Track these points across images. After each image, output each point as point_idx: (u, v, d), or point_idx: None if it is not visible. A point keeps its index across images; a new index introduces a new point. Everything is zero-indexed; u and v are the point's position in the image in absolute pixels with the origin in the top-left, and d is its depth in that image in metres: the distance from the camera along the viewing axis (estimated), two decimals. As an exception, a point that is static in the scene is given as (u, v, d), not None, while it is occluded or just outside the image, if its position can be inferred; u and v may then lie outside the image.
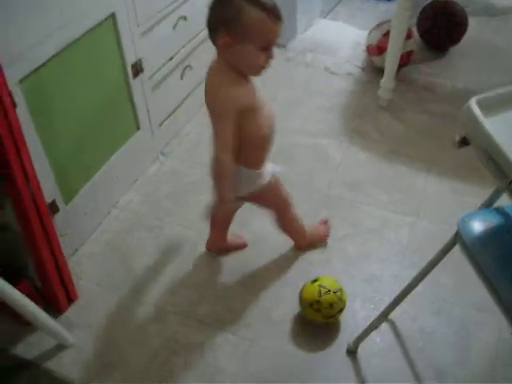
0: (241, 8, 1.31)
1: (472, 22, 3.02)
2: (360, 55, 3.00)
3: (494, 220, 1.20)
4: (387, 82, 2.58)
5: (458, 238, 1.23)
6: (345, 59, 2.98)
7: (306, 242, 1.98)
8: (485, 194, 1.90)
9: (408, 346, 1.70)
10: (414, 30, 2.98)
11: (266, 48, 1.37)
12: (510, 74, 2.92)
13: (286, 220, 1.87)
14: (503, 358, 1.67)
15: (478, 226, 1.21)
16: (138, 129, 2.18)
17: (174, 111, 2.43)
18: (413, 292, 1.46)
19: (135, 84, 2.06)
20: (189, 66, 2.42)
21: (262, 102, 1.51)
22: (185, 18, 2.29)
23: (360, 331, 1.65)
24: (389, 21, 2.80)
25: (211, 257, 1.97)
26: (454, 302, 1.81)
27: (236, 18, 1.32)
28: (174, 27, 2.24)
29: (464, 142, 1.17)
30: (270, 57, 1.40)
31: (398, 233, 2.05)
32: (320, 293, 1.68)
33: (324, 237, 2.02)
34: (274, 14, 1.34)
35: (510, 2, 3.55)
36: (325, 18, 3.42)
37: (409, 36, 2.74)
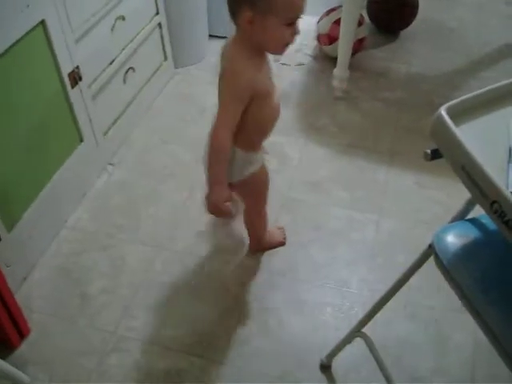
0: None
1: (422, 2, 2.95)
2: (311, 44, 2.90)
3: (471, 234, 1.12)
4: (341, 71, 2.49)
5: (432, 253, 1.14)
6: (295, 49, 2.87)
7: (262, 246, 1.89)
8: (449, 185, 1.85)
9: (384, 355, 1.62)
10: (365, 15, 2.89)
11: (291, 23, 1.30)
12: (462, 54, 2.89)
13: (256, 215, 1.79)
14: (481, 360, 1.62)
15: (454, 242, 1.13)
16: (82, 141, 2.04)
17: (118, 118, 2.29)
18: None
19: (74, 94, 1.92)
20: (131, 69, 2.28)
21: (272, 87, 1.44)
22: (123, 18, 2.15)
23: (332, 344, 1.57)
24: (338, 7, 2.70)
25: (170, 275, 1.86)
26: (427, 304, 1.75)
27: None
28: (112, 29, 2.10)
29: (436, 154, 1.08)
30: (295, 32, 1.33)
31: (364, 233, 1.97)
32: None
33: (280, 242, 1.92)
34: None
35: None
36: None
37: (360, 22, 2.65)
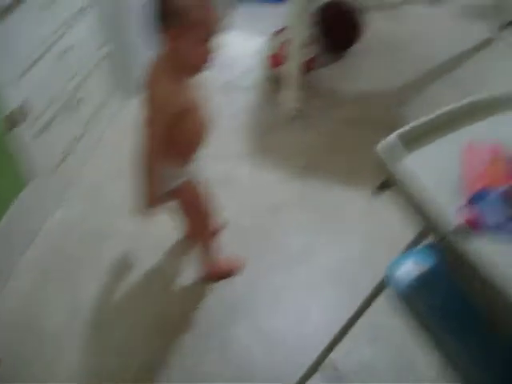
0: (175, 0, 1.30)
1: (369, 17, 2.98)
2: (261, 65, 2.89)
3: (426, 262, 1.12)
4: (292, 92, 2.49)
5: (386, 284, 1.14)
6: (245, 71, 2.86)
7: (216, 273, 1.87)
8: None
9: (349, 382, 1.61)
10: (314, 34, 2.90)
11: (208, 39, 1.35)
12: (412, 68, 2.92)
13: (200, 236, 1.79)
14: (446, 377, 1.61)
15: (408, 272, 1.12)
16: (29, 180, 1.97)
17: (67, 154, 2.21)
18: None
19: (18, 133, 1.85)
20: (79, 101, 2.23)
21: (199, 102, 1.49)
22: (69, 50, 2.10)
23: (297, 373, 1.54)
24: (286, 28, 2.71)
25: (130, 311, 1.81)
26: (388, 325, 1.74)
27: (173, 12, 1.30)
28: (58, 61, 2.04)
29: (385, 185, 1.07)
30: (213, 49, 1.38)
31: (323, 256, 1.96)
32: None
33: (234, 270, 1.90)
34: (209, 4, 1.34)
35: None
36: (223, 29, 3.28)
37: (309, 42, 2.66)
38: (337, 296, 1.82)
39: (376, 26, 3.09)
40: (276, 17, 3.26)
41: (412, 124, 1.06)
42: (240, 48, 3.05)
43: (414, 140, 1.06)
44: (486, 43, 3.15)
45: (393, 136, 1.03)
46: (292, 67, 2.43)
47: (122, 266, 1.94)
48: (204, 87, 1.53)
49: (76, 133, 2.27)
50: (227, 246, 1.93)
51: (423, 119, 1.08)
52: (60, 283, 1.89)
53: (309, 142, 2.44)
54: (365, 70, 2.91)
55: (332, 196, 2.18)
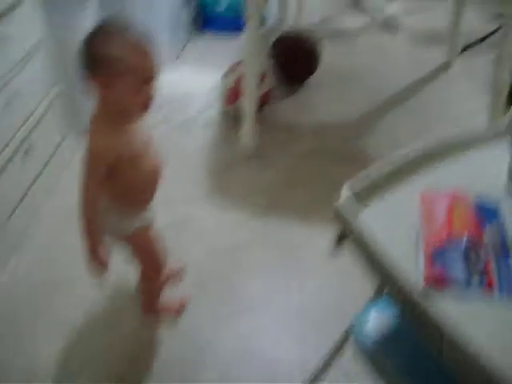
0: (102, 47, 1.25)
1: (326, 49, 2.98)
2: (217, 102, 2.85)
3: (390, 317, 1.07)
4: (248, 128, 2.45)
5: (349, 336, 1.09)
6: (201, 109, 2.82)
7: (156, 310, 1.81)
8: None
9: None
10: (269, 67, 2.88)
11: (142, 85, 1.29)
12: (368, 98, 2.92)
13: (151, 280, 1.73)
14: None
15: (372, 326, 1.08)
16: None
17: (18, 205, 2.10)
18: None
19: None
20: (30, 148, 2.15)
21: (143, 150, 1.42)
22: (19, 92, 2.02)
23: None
24: (241, 63, 2.69)
25: (92, 361, 1.71)
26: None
27: (100, 60, 1.25)
28: (5, 107, 1.96)
29: (342, 237, 1.03)
30: (148, 95, 1.32)
31: (287, 298, 1.90)
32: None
33: (177, 312, 1.84)
34: (142, 46, 1.29)
35: (354, 24, 3.58)
36: (173, 64, 3.22)
37: (264, 75, 2.64)
38: (303, 341, 1.76)
39: (331, 57, 3.10)
40: (232, 49, 3.26)
41: (365, 176, 1.03)
42: (195, 84, 3.01)
43: (368, 192, 1.03)
44: (441, 69, 3.18)
45: (346, 192, 1.00)
46: (248, 103, 2.40)
47: (80, 316, 1.85)
48: (149, 132, 1.48)
49: (28, 183, 2.17)
50: (188, 291, 1.88)
51: (376, 169, 1.05)
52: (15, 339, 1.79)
53: (268, 179, 2.40)
54: (321, 103, 2.89)
55: (294, 234, 2.14)
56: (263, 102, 2.66)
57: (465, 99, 2.93)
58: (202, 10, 3.44)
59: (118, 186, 1.43)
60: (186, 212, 2.24)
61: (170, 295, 1.86)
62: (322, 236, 2.10)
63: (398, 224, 0.98)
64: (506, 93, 2.22)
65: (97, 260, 1.46)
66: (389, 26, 3.58)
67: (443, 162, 1.11)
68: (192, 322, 1.82)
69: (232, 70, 2.72)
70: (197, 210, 2.26)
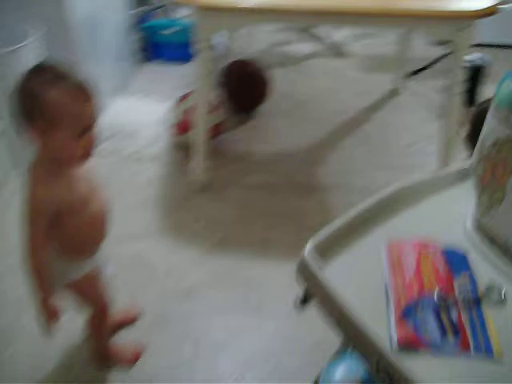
0: (38, 94, 1.16)
1: (276, 77, 2.95)
2: (166, 133, 2.76)
3: (357, 368, 1.01)
4: (200, 161, 2.37)
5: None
6: (150, 141, 2.73)
7: (107, 357, 1.71)
8: None
9: None
10: (219, 96, 2.82)
11: (82, 133, 1.22)
12: (320, 125, 2.90)
13: (100, 326, 1.64)
14: None
15: (339, 378, 1.02)
16: None
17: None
18: None
19: None
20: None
21: (86, 195, 1.34)
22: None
23: None
24: (190, 93, 2.62)
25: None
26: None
27: (37, 107, 1.17)
28: None
29: (308, 296, 0.97)
30: (89, 142, 1.25)
31: (249, 339, 1.82)
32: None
33: (130, 361, 1.73)
34: (81, 93, 1.20)
35: (303, 50, 3.57)
36: (119, 95, 3.11)
37: (216, 106, 2.58)
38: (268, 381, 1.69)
39: (282, 84, 3.07)
40: (180, 78, 3.19)
41: (326, 231, 0.97)
42: (144, 114, 2.91)
43: (332, 247, 0.97)
44: (390, 95, 3.19)
45: (309, 248, 0.94)
46: (199, 134, 2.32)
47: (28, 369, 1.73)
48: (93, 173, 1.40)
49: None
50: (143, 337, 1.77)
51: (338, 222, 0.99)
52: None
53: (221, 214, 2.32)
54: (273, 131, 2.85)
55: (251, 271, 2.06)
56: (215, 132, 2.59)
57: (415, 125, 2.94)
58: (148, 37, 3.36)
59: (63, 234, 1.36)
60: (137, 250, 2.14)
61: (124, 342, 1.76)
62: (280, 272, 2.05)
63: (366, 278, 0.92)
64: (456, 119, 2.21)
65: (48, 311, 1.38)
66: (338, 51, 3.59)
67: (406, 208, 1.06)
68: (148, 370, 1.72)
69: (182, 100, 2.65)
70: (149, 247, 2.16)
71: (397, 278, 0.91)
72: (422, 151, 2.73)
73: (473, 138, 1.33)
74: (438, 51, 3.35)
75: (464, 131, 1.36)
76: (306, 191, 2.46)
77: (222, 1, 1.94)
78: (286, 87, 3.13)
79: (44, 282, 1.36)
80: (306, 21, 2.09)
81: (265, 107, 2.96)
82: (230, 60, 2.98)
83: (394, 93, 3.20)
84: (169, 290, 1.99)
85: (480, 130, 1.31)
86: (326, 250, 0.94)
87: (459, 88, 2.16)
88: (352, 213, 1.00)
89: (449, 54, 3.21)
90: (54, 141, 1.21)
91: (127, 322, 1.83)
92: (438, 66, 3.34)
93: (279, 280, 2.03)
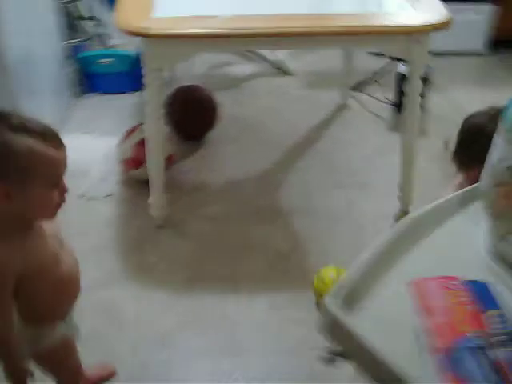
0: (6, 145, 1.04)
1: (223, 101, 2.87)
2: (116, 170, 2.61)
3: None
4: (158, 196, 2.25)
5: None
6: (101, 179, 2.58)
7: None
8: (305, 299, 1.69)
9: None
10: (167, 125, 2.71)
11: (56, 183, 1.13)
12: (272, 146, 2.84)
13: None
14: None
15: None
16: None
17: None
18: None
19: None
20: None
21: (56, 254, 1.23)
22: None
23: None
24: (138, 126, 2.50)
25: None
26: None
27: (5, 160, 1.05)
28: None
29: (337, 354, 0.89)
30: (63, 190, 1.16)
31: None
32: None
33: None
34: (52, 138, 1.12)
35: (243, 70, 3.51)
36: (61, 131, 2.94)
37: (166, 138, 2.46)
38: None
39: (227, 107, 2.95)
40: (122, 110, 3.06)
41: (344, 282, 0.89)
42: (90, 152, 2.75)
43: (352, 296, 0.89)
44: (338, 110, 3.16)
45: (331, 302, 0.86)
46: (155, 167, 2.19)
47: None
48: (59, 230, 1.29)
49: None
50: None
51: (354, 271, 0.91)
52: None
53: (185, 250, 2.21)
54: (226, 157, 2.76)
55: (225, 309, 1.97)
56: (167, 165, 2.46)
57: (366, 139, 2.92)
58: (84, 69, 3.19)
59: (30, 299, 1.22)
60: (104, 298, 1.99)
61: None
62: (254, 306, 1.96)
63: (394, 323, 0.85)
64: (415, 132, 2.20)
65: (17, 381, 1.25)
66: (280, 70, 3.54)
67: (416, 242, 1.01)
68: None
69: (130, 133, 2.52)
70: (115, 294, 2.01)
71: (427, 320, 0.85)
72: (379, 165, 2.71)
73: (461, 153, 1.29)
74: (380, 62, 3.34)
75: (450, 146, 1.32)
76: (268, 217, 2.39)
77: (175, 28, 1.85)
78: (232, 110, 3.04)
79: (13, 352, 1.22)
80: (265, 45, 2.02)
81: (212, 133, 2.87)
82: (175, 86, 2.88)
83: (341, 108, 3.18)
84: (142, 338, 1.86)
85: (469, 145, 1.28)
86: (349, 301, 0.86)
87: (416, 101, 2.14)
88: (366, 257, 0.93)
89: (390, 64, 3.24)
90: (28, 195, 1.09)
91: (103, 380, 1.69)
92: (381, 76, 3.34)
93: (254, 315, 1.95)
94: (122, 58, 3.16)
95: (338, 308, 0.85)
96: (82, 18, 3.23)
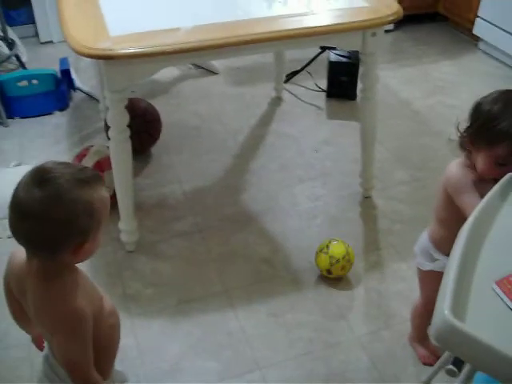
0: (84, 199, 1.00)
1: (161, 110, 2.76)
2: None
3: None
4: (127, 223, 2.15)
5: None
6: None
7: None
8: (299, 300, 1.66)
9: None
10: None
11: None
12: (221, 150, 2.79)
13: None
14: None
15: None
16: None
17: None
18: None
19: None
20: None
21: (100, 299, 1.19)
22: None
23: None
24: (87, 148, 2.38)
25: None
26: None
27: (87, 215, 1.01)
28: None
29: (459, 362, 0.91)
30: None
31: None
32: (331, 263, 2.01)
33: None
34: (98, 179, 1.07)
35: (168, 74, 3.41)
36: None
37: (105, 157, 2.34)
38: None
39: (162, 114, 2.83)
40: (52, 132, 2.89)
41: (452, 294, 0.90)
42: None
43: (458, 305, 0.90)
44: (275, 102, 3.15)
45: (444, 312, 0.87)
46: (123, 197, 2.08)
47: None
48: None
49: None
50: None
51: (450, 282, 0.93)
52: None
53: (168, 271, 2.13)
54: (179, 167, 2.67)
55: (225, 324, 1.93)
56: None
57: (311, 130, 2.94)
58: (2, 93, 2.96)
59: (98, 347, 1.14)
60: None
61: None
62: (254, 316, 1.93)
63: (502, 322, 0.88)
64: (374, 123, 2.25)
65: None
66: (205, 69, 3.47)
67: (483, 242, 1.04)
68: None
69: (80, 158, 2.36)
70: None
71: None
72: (330, 154, 2.74)
73: (474, 134, 1.30)
74: (310, 52, 3.35)
75: (459, 131, 1.33)
76: (240, 224, 2.35)
77: (141, 46, 1.75)
78: (167, 118, 2.93)
79: None
80: (232, 54, 1.96)
81: (161, 144, 2.77)
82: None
83: (276, 101, 3.18)
84: (150, 372, 1.79)
85: (483, 128, 1.31)
86: (457, 311, 0.88)
87: (375, 90, 2.18)
88: (454, 266, 0.95)
89: (321, 53, 3.28)
90: (95, 241, 1.07)
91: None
92: (313, 65, 3.35)
93: (257, 326, 1.93)
94: (42, 78, 2.96)
95: (453, 317, 0.86)
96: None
